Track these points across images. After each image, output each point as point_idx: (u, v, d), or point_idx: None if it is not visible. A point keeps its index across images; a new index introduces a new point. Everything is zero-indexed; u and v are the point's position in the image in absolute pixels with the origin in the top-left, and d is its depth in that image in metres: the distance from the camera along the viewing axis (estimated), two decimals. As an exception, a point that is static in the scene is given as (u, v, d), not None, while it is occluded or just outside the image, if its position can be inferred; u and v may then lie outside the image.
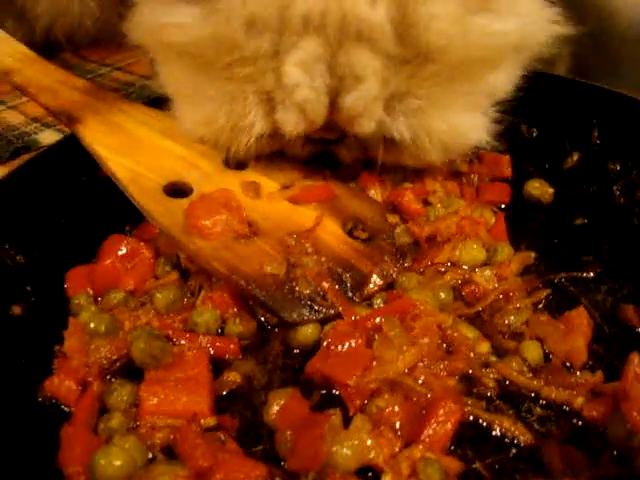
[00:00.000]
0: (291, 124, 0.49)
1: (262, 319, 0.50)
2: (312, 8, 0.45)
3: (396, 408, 0.42)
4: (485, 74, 0.52)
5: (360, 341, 0.44)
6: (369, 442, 0.39)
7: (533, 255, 0.54)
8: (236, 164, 0.56)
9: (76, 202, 0.57)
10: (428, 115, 0.51)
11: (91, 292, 0.53)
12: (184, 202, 0.52)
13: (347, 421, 0.41)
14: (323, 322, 0.48)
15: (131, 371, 0.46)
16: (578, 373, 0.45)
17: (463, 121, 0.53)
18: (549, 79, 0.62)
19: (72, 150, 0.57)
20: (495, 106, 0.55)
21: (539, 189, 0.60)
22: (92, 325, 0.48)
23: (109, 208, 0.56)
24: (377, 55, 0.46)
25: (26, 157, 0.67)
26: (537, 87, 0.60)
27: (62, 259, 0.55)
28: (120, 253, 0.54)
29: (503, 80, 0.54)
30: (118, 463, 0.39)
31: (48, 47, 0.90)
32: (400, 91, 0.49)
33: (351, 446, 0.39)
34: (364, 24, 0.45)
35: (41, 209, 0.56)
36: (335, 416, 0.40)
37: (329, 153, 0.57)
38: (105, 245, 0.54)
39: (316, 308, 0.48)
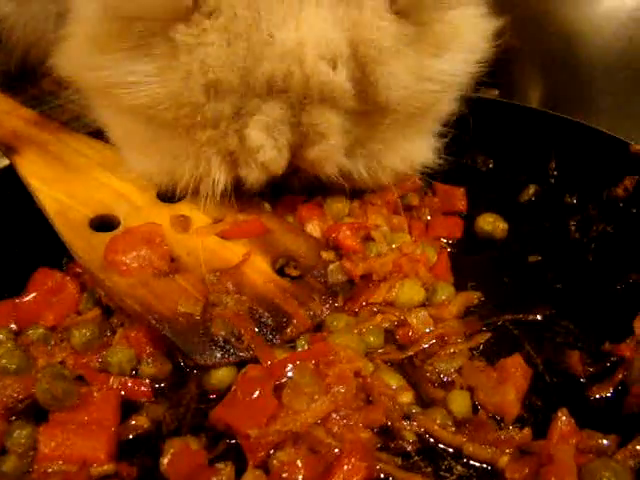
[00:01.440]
0: (254, 179, 0.48)
1: (180, 361, 0.46)
2: (275, 72, 0.44)
3: (299, 463, 0.38)
4: (435, 105, 0.51)
5: (268, 389, 0.40)
6: (258, 502, 0.35)
7: (477, 295, 0.50)
8: (170, 198, 0.53)
9: (11, 234, 0.54)
10: (386, 155, 0.51)
11: (15, 327, 0.50)
12: (107, 237, 0.49)
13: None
14: (241, 365, 0.44)
15: (40, 412, 0.43)
16: (510, 427, 0.41)
17: (415, 149, 0.53)
18: (506, 108, 0.58)
19: (13, 180, 0.55)
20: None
21: (492, 224, 0.56)
22: (3, 362, 0.45)
23: (47, 241, 0.53)
24: (339, 112, 0.46)
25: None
26: (495, 116, 0.57)
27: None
28: (45, 287, 0.51)
29: (449, 104, 0.53)
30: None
31: (25, 74, 0.89)
32: (361, 138, 0.49)
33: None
34: (326, 86, 0.45)
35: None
36: (225, 470, 0.37)
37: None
38: (33, 278, 0.52)
39: (231, 351, 0.44)
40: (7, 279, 0.52)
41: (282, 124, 0.46)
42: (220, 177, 0.48)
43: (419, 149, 0.53)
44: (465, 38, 0.50)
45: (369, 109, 0.47)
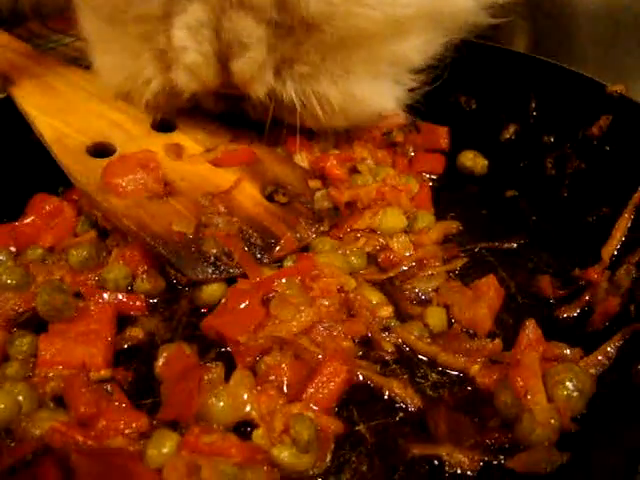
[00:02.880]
0: (184, 83, 0.49)
1: (173, 278, 0.49)
2: None
3: (284, 366, 0.41)
4: (386, 43, 0.51)
5: (255, 300, 0.43)
6: (245, 397, 0.38)
7: (456, 225, 0.53)
8: (163, 126, 0.55)
9: (10, 162, 0.57)
10: (317, 81, 0.51)
11: (14, 249, 0.52)
12: (104, 162, 0.51)
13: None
14: (231, 282, 0.47)
15: (39, 324, 0.46)
16: (480, 340, 0.44)
17: (362, 89, 0.52)
18: (489, 50, 0.60)
19: (9, 111, 0.57)
20: (414, 75, 0.54)
21: (472, 160, 0.58)
22: (4, 279, 0.48)
23: (43, 169, 0.55)
24: (260, 23, 0.46)
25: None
26: (477, 59, 0.59)
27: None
28: (43, 211, 0.53)
29: (413, 49, 0.52)
30: (1, 406, 0.39)
31: (15, 16, 0.89)
32: (288, 58, 0.49)
33: (226, 399, 0.38)
34: None
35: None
36: (215, 369, 0.40)
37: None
38: (31, 203, 0.54)
39: (221, 268, 0.47)
40: (5, 204, 0.55)
41: (205, 28, 0.46)
42: (153, 74, 0.50)
43: (371, 93, 0.53)
44: None
45: (293, 24, 0.47)
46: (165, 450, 0.36)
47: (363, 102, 0.53)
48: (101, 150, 0.53)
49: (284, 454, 0.36)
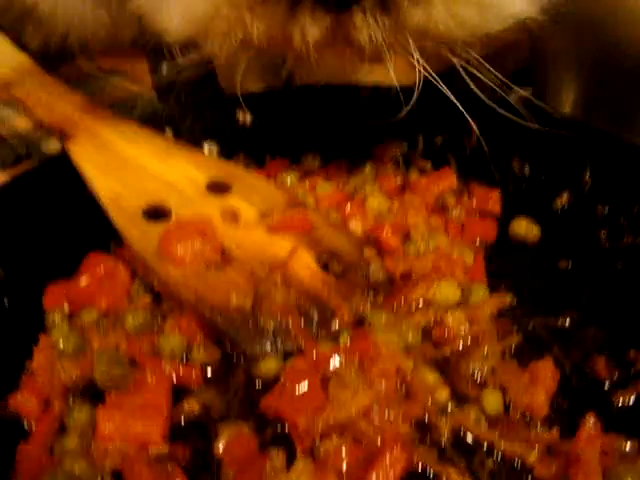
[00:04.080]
0: None
1: (228, 349, 0.50)
2: None
3: (343, 452, 0.42)
4: None
5: (315, 381, 0.45)
6: (307, 486, 0.40)
7: (510, 298, 0.54)
8: (218, 187, 0.57)
9: (62, 217, 0.58)
10: None
11: (67, 308, 0.54)
12: (160, 227, 0.53)
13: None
14: (286, 356, 0.48)
15: (95, 392, 0.47)
16: (538, 427, 0.45)
17: None
18: (544, 115, 0.61)
19: (65, 166, 0.58)
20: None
21: (525, 228, 0.59)
22: (61, 344, 0.50)
23: (96, 224, 0.57)
24: None
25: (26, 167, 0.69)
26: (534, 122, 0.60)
27: (43, 273, 0.55)
28: (98, 272, 0.55)
29: None
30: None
31: (63, 54, 0.92)
32: None
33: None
34: None
35: (26, 223, 0.57)
36: (277, 457, 0.41)
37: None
38: (85, 263, 0.56)
39: (279, 342, 0.48)
40: (58, 260, 0.56)
41: None
42: None
43: None
44: None
45: None
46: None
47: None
48: (157, 211, 0.55)
49: None
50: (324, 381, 0.45)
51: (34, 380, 0.48)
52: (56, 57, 0.92)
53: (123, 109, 0.73)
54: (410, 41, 0.50)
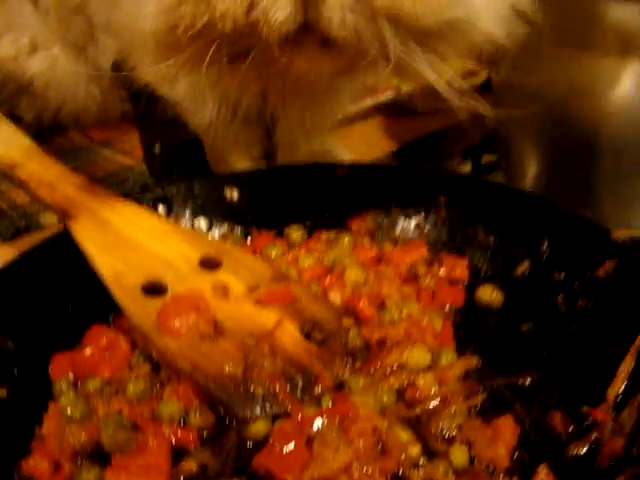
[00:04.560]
0: None
1: (220, 413, 0.57)
2: None
3: (328, 505, 0.49)
4: None
5: (301, 441, 0.52)
6: (296, 536, 0.46)
7: (475, 360, 0.61)
8: (210, 263, 0.64)
9: (65, 291, 0.65)
10: None
11: (72, 377, 0.61)
12: (158, 302, 0.60)
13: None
14: (274, 418, 0.55)
15: (101, 454, 0.54)
16: (500, 477, 0.52)
17: None
18: (506, 191, 0.69)
19: (67, 244, 0.66)
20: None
21: (490, 295, 0.67)
22: (69, 411, 0.56)
23: (96, 297, 0.64)
24: None
25: (26, 240, 0.77)
26: (495, 198, 0.69)
27: (49, 344, 0.62)
28: (100, 343, 0.62)
29: None
30: None
31: (56, 126, 1.01)
32: None
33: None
34: None
35: (33, 298, 0.64)
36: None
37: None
38: (88, 335, 0.63)
39: (267, 406, 0.55)
40: (61, 332, 0.63)
41: None
42: None
43: None
44: None
45: None
46: None
47: None
48: (154, 287, 0.62)
49: None
50: (309, 440, 0.52)
51: (44, 445, 0.55)
52: (49, 129, 1.00)
53: (115, 182, 0.81)
54: (385, 26, 0.51)
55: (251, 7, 0.50)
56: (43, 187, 0.70)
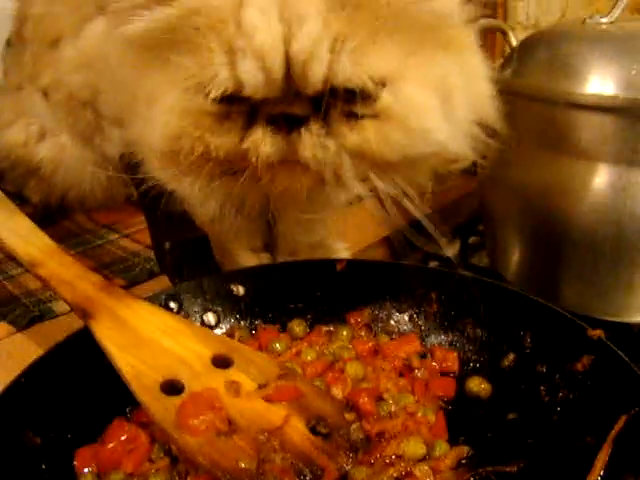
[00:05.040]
0: (252, 73, 0.58)
1: (236, 503, 0.64)
2: None
3: None
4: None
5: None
6: None
7: (467, 450, 0.69)
8: (222, 361, 0.72)
9: (86, 387, 0.72)
10: (367, 55, 0.60)
11: (95, 469, 0.68)
12: (177, 400, 0.67)
13: None
14: (284, 512, 0.62)
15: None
16: None
17: (426, 100, 0.64)
18: (496, 289, 0.78)
19: (85, 340, 0.73)
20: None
21: (478, 386, 0.75)
22: (96, 503, 0.63)
23: (113, 391, 0.70)
24: None
25: (41, 329, 0.83)
26: (483, 294, 0.77)
27: (72, 439, 0.69)
28: (122, 438, 0.69)
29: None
30: None
31: (62, 209, 1.08)
32: (342, 33, 0.58)
33: None
34: None
35: (57, 394, 0.70)
36: None
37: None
38: (109, 429, 0.69)
39: (280, 500, 0.63)
40: (83, 427, 0.70)
41: (272, 6, 0.57)
42: (221, 71, 0.59)
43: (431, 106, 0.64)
44: None
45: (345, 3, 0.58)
46: None
47: (423, 113, 0.64)
48: (171, 385, 0.69)
49: None
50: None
51: None
52: (56, 211, 1.08)
53: (122, 268, 0.89)
54: (346, 162, 0.64)
55: (241, 142, 0.62)
56: (63, 286, 0.77)
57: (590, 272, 0.85)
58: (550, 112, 0.83)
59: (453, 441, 0.70)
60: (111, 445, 0.68)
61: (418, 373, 0.76)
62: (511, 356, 0.76)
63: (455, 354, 0.77)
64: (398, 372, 0.75)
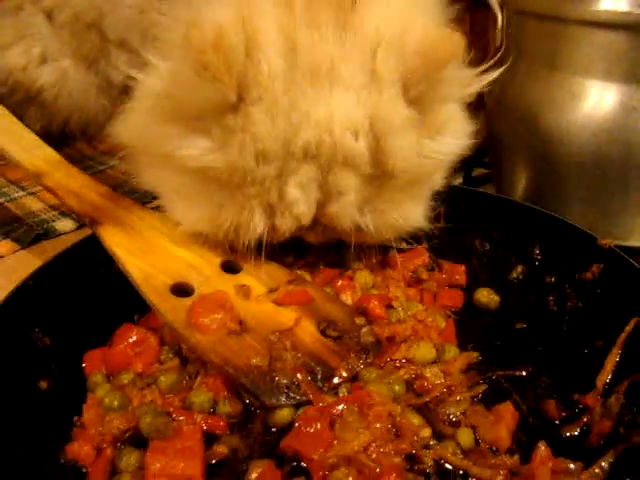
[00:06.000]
0: (287, 229, 0.67)
1: (247, 402, 0.65)
2: (310, 141, 0.63)
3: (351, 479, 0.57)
4: (430, 178, 0.72)
5: (325, 424, 0.60)
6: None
7: (476, 355, 0.70)
8: (230, 268, 0.73)
9: (94, 293, 0.73)
10: (389, 213, 0.70)
11: (104, 372, 0.69)
12: (187, 301, 0.68)
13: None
14: (297, 406, 0.63)
15: (138, 440, 0.61)
16: (503, 456, 0.60)
17: (412, 212, 0.72)
18: (501, 202, 0.79)
19: (93, 247, 0.73)
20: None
21: (487, 297, 0.76)
22: (107, 401, 0.63)
23: (121, 298, 0.72)
24: (356, 175, 0.65)
25: (46, 246, 0.84)
26: (491, 209, 0.78)
27: (81, 342, 0.70)
28: (130, 340, 0.70)
29: (440, 179, 0.75)
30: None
31: (63, 136, 1.08)
32: (370, 197, 0.67)
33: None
34: (349, 152, 0.63)
35: (65, 298, 0.71)
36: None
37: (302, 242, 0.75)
38: (118, 332, 0.70)
39: (291, 395, 0.63)
40: (91, 331, 0.71)
41: (313, 183, 0.65)
42: (259, 224, 0.66)
43: (415, 213, 0.73)
44: (455, 127, 0.71)
45: (378, 174, 0.65)
46: None
47: (411, 221, 0.72)
48: (181, 289, 0.70)
49: None
50: (331, 424, 0.61)
51: (85, 432, 0.62)
52: (58, 139, 1.08)
53: (126, 191, 0.89)
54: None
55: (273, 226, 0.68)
56: (70, 196, 0.78)
57: (598, 195, 0.86)
58: (561, 31, 0.84)
59: (463, 348, 0.71)
60: (120, 347, 0.69)
61: (426, 285, 0.77)
62: (520, 268, 0.78)
63: (463, 267, 0.79)
64: (407, 283, 0.76)
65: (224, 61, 0.58)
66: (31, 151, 0.83)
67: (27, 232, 0.89)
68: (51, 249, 0.85)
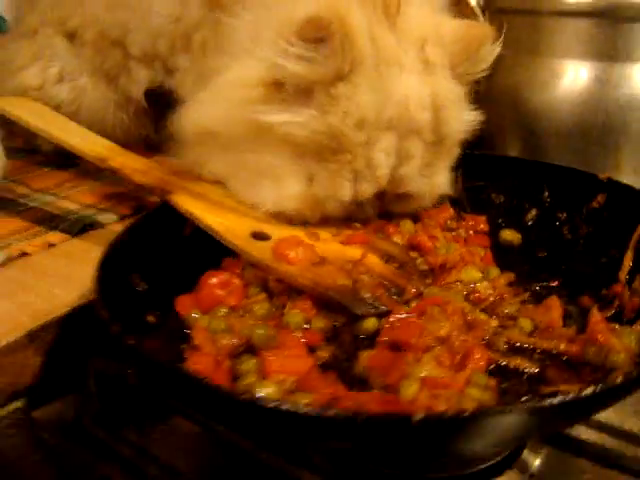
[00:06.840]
0: (369, 192, 0.82)
1: (333, 320, 0.77)
2: (393, 114, 0.78)
3: (446, 355, 0.71)
4: (457, 148, 0.89)
5: (415, 317, 0.74)
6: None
7: (513, 275, 0.85)
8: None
9: (179, 249, 0.84)
10: (434, 178, 0.87)
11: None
12: (269, 243, 0.81)
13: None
14: (379, 317, 0.76)
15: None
16: (560, 329, 0.74)
17: (445, 178, 0.90)
18: (509, 160, 0.97)
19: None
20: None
21: (511, 235, 0.92)
22: (214, 324, 0.74)
23: (202, 251, 0.83)
24: (421, 141, 0.82)
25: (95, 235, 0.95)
26: (503, 167, 0.96)
27: (173, 287, 0.79)
28: (217, 281, 0.80)
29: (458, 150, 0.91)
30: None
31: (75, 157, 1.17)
32: (428, 162, 0.84)
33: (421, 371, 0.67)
34: (419, 123, 0.80)
35: (157, 249, 0.82)
36: (408, 356, 0.69)
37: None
38: (203, 277, 0.80)
39: (376, 306, 0.77)
40: (179, 279, 0.81)
41: (392, 149, 0.80)
42: (347, 192, 0.80)
43: (446, 178, 0.90)
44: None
45: (435, 140, 0.82)
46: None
47: (443, 186, 0.90)
48: (259, 237, 0.82)
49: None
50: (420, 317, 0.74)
51: (199, 353, 0.71)
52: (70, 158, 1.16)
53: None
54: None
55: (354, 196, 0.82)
56: (137, 173, 0.89)
57: (581, 160, 1.04)
58: (539, 22, 1.04)
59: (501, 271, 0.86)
60: (208, 290, 0.79)
61: (457, 232, 0.92)
62: (534, 211, 0.94)
63: (484, 217, 0.95)
64: (442, 229, 0.91)
65: (346, 34, 0.74)
66: (90, 141, 0.95)
67: (74, 224, 0.95)
68: (102, 237, 0.92)
